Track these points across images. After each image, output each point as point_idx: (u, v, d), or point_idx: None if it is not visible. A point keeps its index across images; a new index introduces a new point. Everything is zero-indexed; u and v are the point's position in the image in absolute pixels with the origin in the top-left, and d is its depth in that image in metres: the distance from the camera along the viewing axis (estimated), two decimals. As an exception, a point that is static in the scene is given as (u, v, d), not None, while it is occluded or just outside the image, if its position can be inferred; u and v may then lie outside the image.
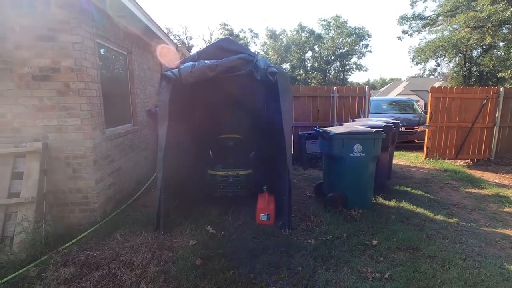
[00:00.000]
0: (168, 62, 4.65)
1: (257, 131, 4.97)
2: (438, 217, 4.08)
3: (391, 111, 10.84)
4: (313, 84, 25.93)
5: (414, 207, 4.40)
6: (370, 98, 12.11)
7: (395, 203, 4.53)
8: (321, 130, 4.34)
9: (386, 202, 4.58)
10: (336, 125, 5.31)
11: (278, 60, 29.40)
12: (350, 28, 30.91)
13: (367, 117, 8.10)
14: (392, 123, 5.30)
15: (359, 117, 7.52)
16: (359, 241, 3.35)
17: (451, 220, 3.98)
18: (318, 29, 38.22)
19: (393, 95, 30.46)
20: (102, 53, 4.20)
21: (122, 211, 4.08)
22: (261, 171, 4.46)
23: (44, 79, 3.33)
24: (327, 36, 31.60)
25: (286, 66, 31.32)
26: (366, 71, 36.84)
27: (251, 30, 31.90)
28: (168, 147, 3.47)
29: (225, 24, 28.58)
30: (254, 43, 30.85)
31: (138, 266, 2.86)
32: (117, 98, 4.62)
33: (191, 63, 3.02)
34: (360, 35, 31.09)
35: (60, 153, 3.49)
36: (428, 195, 4.99)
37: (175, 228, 3.60)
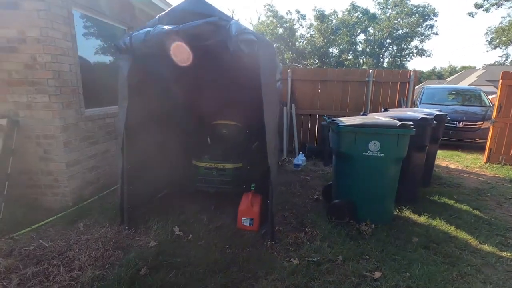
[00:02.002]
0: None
1: (259, 118, 4.25)
2: (484, 246, 2.97)
3: (450, 103, 9.03)
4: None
5: (452, 228, 3.31)
6: (425, 86, 10.33)
7: (425, 219, 3.49)
8: (328, 120, 3.46)
9: (414, 217, 3.55)
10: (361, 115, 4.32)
11: (324, 43, 27.19)
12: (411, 6, 27.00)
13: (412, 107, 6.74)
14: (436, 115, 4.12)
15: (400, 107, 6.24)
16: (356, 269, 2.52)
17: (503, 254, 2.85)
18: (374, 9, 34.54)
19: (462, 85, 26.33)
20: (89, 26, 3.86)
21: (101, 198, 3.81)
22: (257, 166, 3.78)
23: (12, 50, 3.09)
24: (383, 16, 28.12)
25: (334, 50, 28.93)
26: (429, 56, 31.88)
27: (298, 12, 29.74)
28: (135, 132, 3.00)
29: (269, 5, 27.29)
30: (301, 25, 28.94)
31: (78, 266, 2.49)
32: (110, 78, 4.30)
33: (146, 29, 2.44)
34: (423, 14, 26.94)
35: (31, 132, 3.27)
36: (477, 212, 3.79)
37: (143, 224, 3.18)
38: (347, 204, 3.31)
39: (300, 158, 5.68)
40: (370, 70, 6.27)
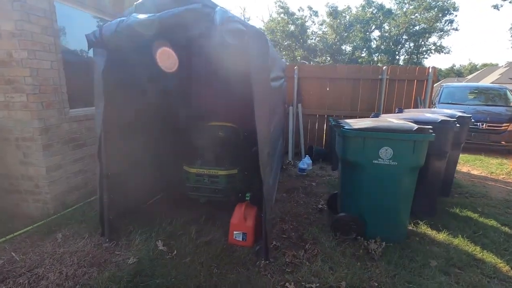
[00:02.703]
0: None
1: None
2: (517, 274, 2.52)
3: (471, 102, 8.36)
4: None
5: (477, 248, 2.85)
6: (444, 84, 9.64)
7: (445, 237, 3.04)
8: (333, 122, 3.06)
9: (432, 234, 3.11)
10: (371, 116, 3.89)
11: (336, 40, 26.35)
12: (430, 0, 25.69)
13: (430, 108, 6.20)
14: (458, 117, 3.65)
15: (416, 107, 5.73)
16: (361, 301, 2.13)
17: (541, 284, 2.39)
18: (389, 4, 33.29)
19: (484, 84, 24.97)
20: (75, 19, 3.59)
21: (87, 205, 3.55)
22: (255, 172, 3.43)
23: (-13, 46, 2.85)
24: (399, 11, 26.95)
25: (347, 47, 27.96)
26: (448, 53, 30.40)
27: (310, 8, 28.83)
28: (117, 134, 2.72)
29: (280, 1, 26.60)
30: (313, 22, 28.08)
31: (45, 287, 2.23)
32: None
33: (119, 19, 2.12)
34: (443, 9, 25.60)
35: (10, 133, 3.05)
36: (506, 229, 3.30)
37: (126, 237, 2.89)
38: (354, 218, 2.91)
39: (305, 162, 5.29)
40: (384, 67, 5.78)
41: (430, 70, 5.64)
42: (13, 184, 3.20)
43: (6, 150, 3.09)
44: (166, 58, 2.71)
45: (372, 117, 3.78)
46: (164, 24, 2.07)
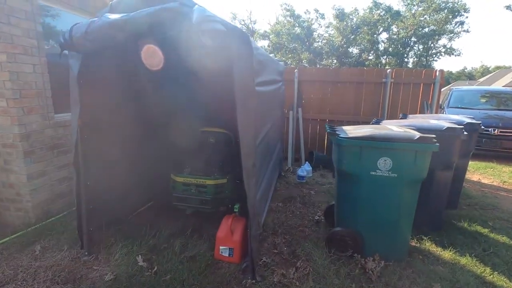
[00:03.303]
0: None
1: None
2: (532, 301, 2.25)
3: (482, 106, 8.00)
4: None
5: (487, 270, 2.59)
6: (454, 87, 9.29)
7: (452, 255, 2.78)
8: (329, 129, 2.85)
9: (437, 251, 2.86)
10: (372, 123, 3.65)
11: (343, 42, 25.98)
12: (439, 2, 25.14)
13: (438, 113, 5.91)
14: (466, 123, 3.39)
15: (423, 112, 5.46)
16: (354, 331, 1.91)
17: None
18: (397, 6, 32.80)
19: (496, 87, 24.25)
20: (61, 21, 3.48)
21: (72, 213, 3.40)
22: None
23: (-34, 49, 2.75)
24: (408, 13, 26.44)
25: (353, 50, 27.57)
26: (459, 55, 29.64)
27: (316, 11, 28.60)
28: (97, 141, 2.57)
29: (286, 4, 26.48)
30: (319, 24, 27.75)
31: (12, 307, 2.08)
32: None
33: (90, 20, 1.97)
34: (453, 11, 25.00)
35: (-10, 140, 2.93)
36: (520, 246, 3.02)
37: (107, 249, 2.73)
38: (351, 233, 2.69)
39: (305, 169, 5.06)
40: (388, 70, 5.53)
41: (438, 73, 5.36)
42: (-5, 192, 3.08)
43: (-13, 157, 2.97)
44: (147, 60, 2.56)
45: (372, 124, 3.55)
46: (139, 24, 1.91)
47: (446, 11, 25.61)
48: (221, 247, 2.64)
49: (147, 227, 3.04)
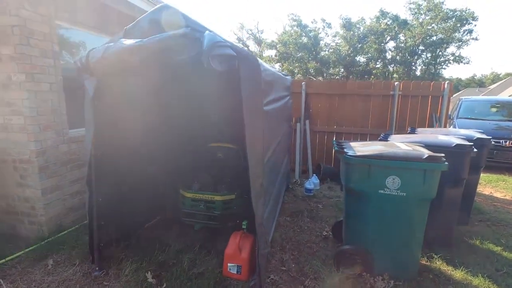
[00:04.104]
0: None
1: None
2: (549, 326, 2.18)
3: (493, 117, 7.88)
4: (393, 80, 22.01)
5: (501, 290, 2.53)
6: (463, 97, 9.19)
7: (463, 275, 2.73)
8: (336, 147, 2.86)
9: (448, 270, 2.81)
10: (381, 139, 3.64)
11: (350, 51, 25.99)
12: (447, 11, 25.08)
13: (447, 126, 5.87)
14: (477, 139, 3.36)
15: (431, 126, 5.42)
16: None
17: None
18: (404, 14, 32.75)
19: (507, 95, 23.83)
20: (75, 40, 3.63)
21: (85, 227, 3.47)
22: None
23: (-11, 70, 2.89)
24: (415, 22, 26.38)
25: (361, 58, 27.52)
26: (468, 63, 29.26)
27: (323, 20, 28.73)
28: (109, 158, 2.65)
29: (293, 14, 26.70)
30: (326, 33, 27.89)
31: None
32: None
33: (106, 45, 2.06)
34: (461, 19, 24.88)
35: (7, 155, 3.04)
36: (534, 266, 2.94)
37: (116, 265, 2.77)
38: (359, 251, 2.67)
39: (312, 182, 5.05)
40: (396, 83, 5.53)
41: (446, 85, 5.34)
42: (11, 205, 3.18)
43: (4, 172, 3.08)
44: (158, 81, 2.64)
45: (380, 139, 3.55)
46: (152, 50, 1.99)
47: (454, 19, 25.49)
48: (229, 264, 2.65)
49: (156, 243, 3.08)
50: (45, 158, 3.08)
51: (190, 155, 3.43)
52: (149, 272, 2.61)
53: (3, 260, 2.79)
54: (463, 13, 25.37)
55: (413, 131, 4.09)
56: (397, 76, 28.60)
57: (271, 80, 2.68)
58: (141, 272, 2.64)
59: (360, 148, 2.75)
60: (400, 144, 2.85)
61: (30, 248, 2.96)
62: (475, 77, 54.78)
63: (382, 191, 2.50)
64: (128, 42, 1.97)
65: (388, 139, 3.49)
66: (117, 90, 2.50)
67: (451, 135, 3.40)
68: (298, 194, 4.97)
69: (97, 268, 2.68)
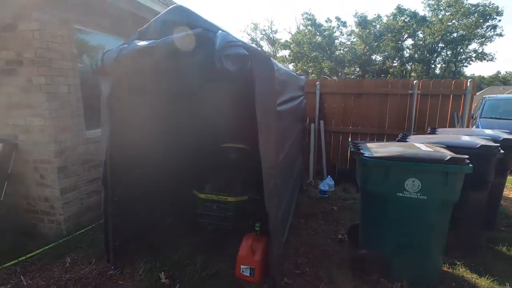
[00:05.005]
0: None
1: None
2: None
3: (519, 115, 7.48)
4: (411, 78, 21.31)
5: (531, 302, 2.37)
6: (486, 96, 8.76)
7: (489, 283, 2.58)
8: (353, 148, 2.78)
9: (472, 278, 2.66)
10: (399, 139, 3.51)
11: (365, 50, 25.39)
12: (469, 6, 24.03)
13: (471, 126, 5.61)
14: (503, 140, 3.18)
15: (452, 126, 5.19)
16: None
17: None
18: (423, 11, 31.70)
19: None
20: (93, 42, 3.71)
21: (101, 225, 3.54)
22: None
23: (11, 73, 3.01)
24: (434, 18, 25.44)
25: (377, 57, 26.85)
26: (492, 60, 27.86)
27: (338, 19, 28.17)
28: (125, 158, 2.68)
29: (307, 13, 26.38)
30: (341, 32, 27.37)
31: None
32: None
33: (120, 47, 2.09)
34: (484, 14, 23.78)
35: (29, 156, 3.15)
36: None
37: (131, 264, 2.80)
38: (377, 257, 2.57)
39: (327, 183, 4.95)
40: (415, 81, 5.33)
41: (469, 83, 5.10)
42: (31, 204, 3.29)
43: (26, 172, 3.19)
44: (172, 82, 2.65)
45: (399, 140, 3.42)
46: (164, 51, 1.99)
47: (476, 15, 24.44)
48: (242, 267, 2.62)
49: (169, 243, 3.10)
50: (63, 158, 3.17)
51: (202, 156, 3.43)
52: (162, 273, 2.63)
53: (24, 257, 2.88)
54: (486, 8, 24.29)
55: (433, 132, 3.93)
56: (415, 74, 27.75)
57: (285, 79, 2.63)
58: (154, 272, 2.65)
59: (377, 149, 2.66)
60: (419, 145, 2.73)
61: (49, 245, 3.05)
62: (499, 75, 52.24)
63: (401, 194, 2.40)
64: (142, 43, 1.99)
65: (407, 139, 3.36)
66: (132, 91, 2.53)
67: (475, 136, 3.23)
68: (312, 195, 4.89)
69: (112, 267, 2.73)
